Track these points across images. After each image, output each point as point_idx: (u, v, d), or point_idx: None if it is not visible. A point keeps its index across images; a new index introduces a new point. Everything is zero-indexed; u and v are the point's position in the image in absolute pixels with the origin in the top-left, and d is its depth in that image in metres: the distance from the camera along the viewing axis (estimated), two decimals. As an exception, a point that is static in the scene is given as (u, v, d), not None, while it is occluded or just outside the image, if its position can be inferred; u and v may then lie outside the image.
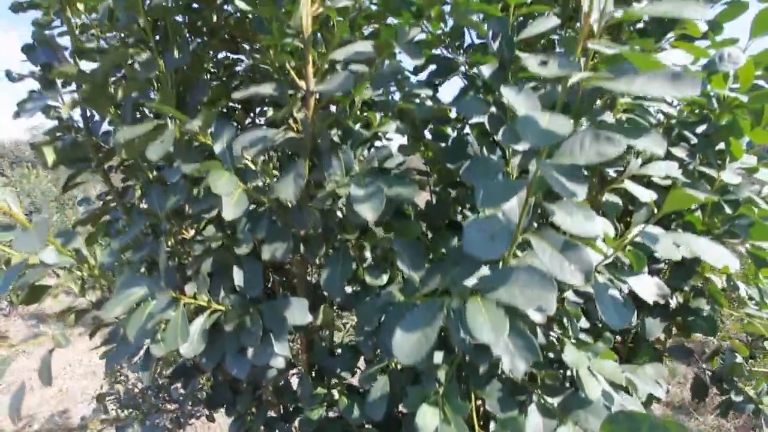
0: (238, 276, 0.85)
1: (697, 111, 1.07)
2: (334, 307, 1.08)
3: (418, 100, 0.90)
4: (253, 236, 0.79)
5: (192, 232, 1.01)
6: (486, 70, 0.86)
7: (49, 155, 1.00)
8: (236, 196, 0.62)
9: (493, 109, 0.85)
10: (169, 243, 0.99)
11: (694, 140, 1.07)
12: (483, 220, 0.61)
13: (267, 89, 0.79)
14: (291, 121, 0.88)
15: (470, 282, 0.64)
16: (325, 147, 0.76)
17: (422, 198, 1.11)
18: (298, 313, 0.81)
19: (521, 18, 0.92)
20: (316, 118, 0.78)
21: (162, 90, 0.78)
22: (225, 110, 1.18)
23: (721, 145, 1.03)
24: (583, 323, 0.92)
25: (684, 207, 0.70)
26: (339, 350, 1.04)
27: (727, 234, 1.04)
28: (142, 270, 1.00)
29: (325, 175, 0.74)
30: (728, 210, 1.00)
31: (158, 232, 0.93)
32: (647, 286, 0.78)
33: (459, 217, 1.11)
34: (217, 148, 0.69)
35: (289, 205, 0.75)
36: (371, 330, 0.82)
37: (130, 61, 0.85)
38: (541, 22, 0.83)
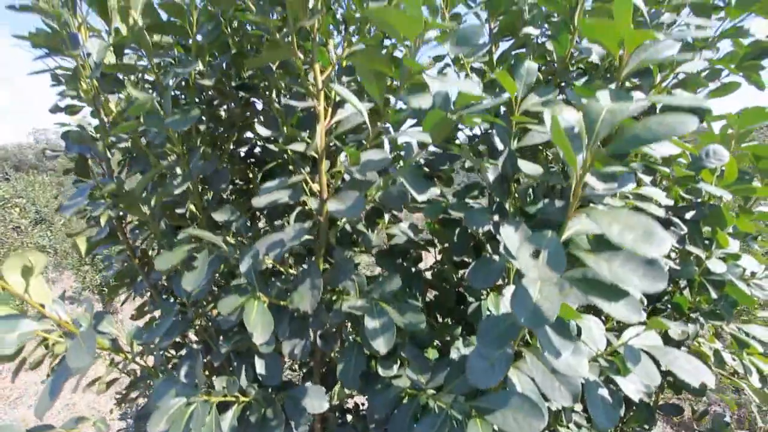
0: (259, 365, 0.92)
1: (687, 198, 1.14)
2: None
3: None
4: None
5: (216, 312, 1.09)
6: (490, 175, 0.93)
7: (82, 245, 1.09)
8: (263, 325, 0.71)
9: (495, 217, 0.93)
10: (195, 324, 1.07)
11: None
12: (484, 350, 0.68)
13: (284, 197, 0.87)
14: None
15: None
16: (339, 259, 0.84)
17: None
18: (316, 401, 0.89)
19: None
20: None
21: (194, 202, 0.87)
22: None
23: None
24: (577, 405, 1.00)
25: (662, 329, 0.78)
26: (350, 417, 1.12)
27: (712, 315, 1.11)
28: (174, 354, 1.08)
29: (339, 286, 0.82)
30: (713, 294, 1.08)
31: (186, 317, 1.01)
32: (633, 385, 0.85)
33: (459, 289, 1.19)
34: (243, 267, 0.77)
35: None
36: (382, 418, 0.89)
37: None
38: (538, 135, 0.91)
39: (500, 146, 0.92)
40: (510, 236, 0.72)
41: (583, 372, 0.64)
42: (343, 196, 0.80)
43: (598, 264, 0.55)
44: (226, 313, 0.72)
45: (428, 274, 1.35)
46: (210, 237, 0.78)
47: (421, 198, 0.72)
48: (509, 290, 0.83)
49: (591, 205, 0.83)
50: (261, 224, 1.27)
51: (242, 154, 1.24)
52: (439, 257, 1.30)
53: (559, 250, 0.54)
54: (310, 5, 0.71)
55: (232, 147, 1.11)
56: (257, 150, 1.23)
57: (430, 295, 1.29)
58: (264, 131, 0.81)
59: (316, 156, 0.88)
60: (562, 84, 1.13)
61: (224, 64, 1.01)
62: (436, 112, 0.65)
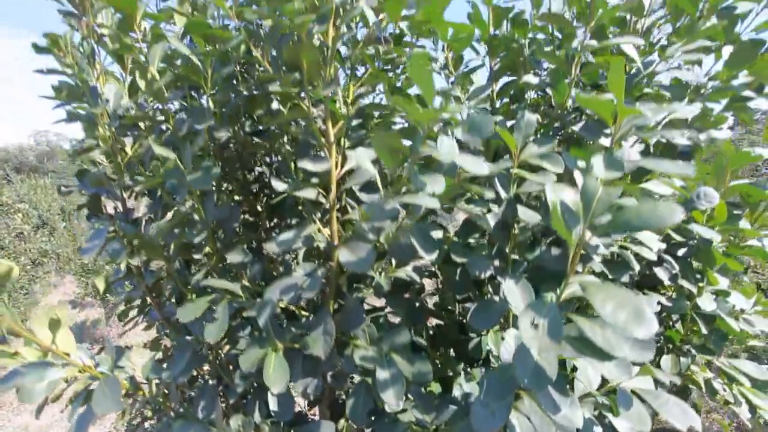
0: (272, 402, 0.97)
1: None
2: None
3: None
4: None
5: (227, 348, 1.14)
6: (491, 220, 0.98)
7: (101, 284, 1.13)
8: (280, 377, 0.75)
9: (496, 262, 0.98)
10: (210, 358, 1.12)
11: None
12: (486, 400, 0.73)
13: (297, 243, 0.92)
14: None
15: None
16: (350, 304, 0.89)
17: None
18: (326, 437, 0.93)
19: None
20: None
21: (209, 245, 0.91)
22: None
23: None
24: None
25: (650, 374, 0.82)
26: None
27: (703, 348, 1.16)
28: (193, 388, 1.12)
29: (350, 333, 0.86)
30: (704, 329, 1.13)
31: (201, 353, 1.05)
32: (627, 422, 0.90)
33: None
34: (261, 320, 0.81)
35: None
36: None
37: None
38: (535, 185, 0.95)
39: (502, 193, 0.96)
40: (512, 290, 0.77)
41: (578, 423, 0.69)
42: (353, 246, 0.84)
43: (592, 331, 0.60)
44: (247, 369, 0.76)
45: (430, 301, 1.40)
46: (229, 287, 0.83)
47: (429, 257, 0.76)
48: (510, 335, 0.88)
49: (588, 266, 0.88)
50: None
51: (252, 189, 1.29)
52: (441, 285, 1.35)
53: (558, 319, 0.59)
54: (327, 74, 0.76)
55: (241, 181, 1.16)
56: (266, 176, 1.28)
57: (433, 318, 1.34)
58: (280, 186, 0.85)
59: (328, 205, 0.93)
60: (561, 125, 1.18)
61: (236, 108, 1.06)
62: (446, 181, 0.70)
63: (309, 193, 0.93)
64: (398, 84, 1.16)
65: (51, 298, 10.06)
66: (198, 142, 0.85)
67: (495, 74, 1.29)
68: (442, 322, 1.31)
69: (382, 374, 0.75)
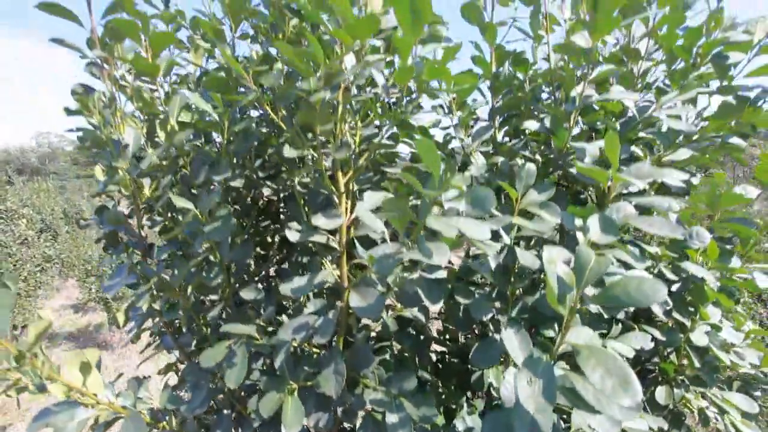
0: (284, 433, 1.02)
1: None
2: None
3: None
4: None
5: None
6: (492, 262, 1.03)
7: (121, 318, 1.19)
8: (296, 419, 0.81)
9: (497, 303, 1.03)
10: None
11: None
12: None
13: (310, 288, 0.97)
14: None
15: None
16: (359, 346, 0.94)
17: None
18: (334, 468, 0.99)
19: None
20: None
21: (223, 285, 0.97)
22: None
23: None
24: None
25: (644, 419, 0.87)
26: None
27: (696, 380, 1.21)
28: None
29: (361, 372, 0.92)
30: (696, 362, 1.18)
31: (217, 386, 1.10)
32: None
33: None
34: (277, 362, 0.87)
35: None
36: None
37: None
38: (536, 230, 1.00)
39: (505, 238, 1.01)
40: (511, 340, 0.82)
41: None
42: (363, 292, 0.89)
43: (584, 388, 0.65)
44: (267, 415, 0.82)
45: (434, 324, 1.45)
46: (246, 331, 0.88)
47: (434, 308, 0.82)
48: (510, 373, 0.93)
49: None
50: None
51: (262, 224, 1.34)
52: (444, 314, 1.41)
53: (552, 381, 0.64)
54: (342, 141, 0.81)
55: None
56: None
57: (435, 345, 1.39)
58: (293, 236, 0.91)
59: (338, 249, 0.98)
60: (560, 164, 1.23)
61: (250, 153, 1.12)
62: (449, 241, 0.75)
63: (319, 238, 0.98)
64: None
65: (54, 302, 10.12)
66: (214, 194, 0.91)
67: (497, 111, 1.35)
68: (445, 349, 1.37)
69: (391, 418, 0.81)
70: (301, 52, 0.70)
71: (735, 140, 1.02)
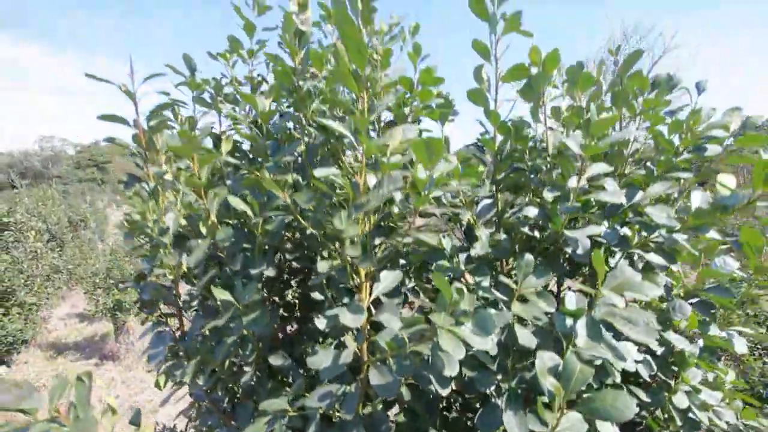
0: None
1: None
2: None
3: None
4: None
5: None
6: (494, 336, 1.16)
7: (162, 381, 1.32)
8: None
9: (499, 375, 1.16)
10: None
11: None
12: None
13: (337, 368, 1.10)
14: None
15: None
16: (378, 418, 1.07)
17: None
18: None
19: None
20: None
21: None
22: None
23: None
24: None
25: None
26: None
27: (678, 438, 1.34)
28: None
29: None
30: (678, 421, 1.31)
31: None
32: None
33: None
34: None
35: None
36: None
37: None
38: (534, 315, 1.13)
39: (508, 317, 1.14)
40: (510, 420, 0.96)
41: None
42: (382, 371, 1.02)
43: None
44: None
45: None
46: (281, 406, 1.01)
47: (443, 393, 0.95)
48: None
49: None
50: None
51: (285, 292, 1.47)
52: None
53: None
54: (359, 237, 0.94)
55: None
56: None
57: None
58: (322, 324, 1.04)
59: (358, 328, 1.11)
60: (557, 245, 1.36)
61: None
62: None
63: (344, 319, 1.11)
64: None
65: (60, 310, 10.24)
66: (251, 287, 1.04)
67: (499, 186, 1.48)
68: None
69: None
70: (328, 186, 0.83)
71: (713, 234, 1.15)
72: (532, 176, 1.41)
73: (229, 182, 1.22)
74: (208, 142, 1.77)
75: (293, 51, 1.41)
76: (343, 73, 0.95)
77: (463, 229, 1.47)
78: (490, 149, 1.46)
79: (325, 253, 1.22)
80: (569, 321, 0.96)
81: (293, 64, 1.29)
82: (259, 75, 1.95)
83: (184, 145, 1.01)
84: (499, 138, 1.45)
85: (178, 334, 1.28)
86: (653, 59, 12.26)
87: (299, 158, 1.41)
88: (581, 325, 0.89)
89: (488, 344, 0.82)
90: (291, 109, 1.47)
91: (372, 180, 0.98)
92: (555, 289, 1.53)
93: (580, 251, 1.14)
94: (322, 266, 0.94)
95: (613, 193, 1.12)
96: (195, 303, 1.28)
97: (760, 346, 4.43)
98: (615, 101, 1.37)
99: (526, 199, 1.54)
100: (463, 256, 1.36)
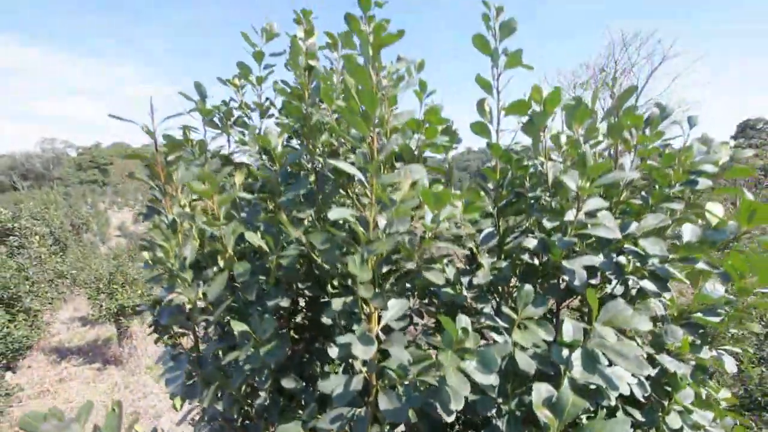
0: None
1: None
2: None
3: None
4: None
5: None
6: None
7: (178, 404, 1.38)
8: None
9: (500, 399, 1.22)
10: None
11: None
12: None
13: (349, 394, 1.16)
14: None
15: None
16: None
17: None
18: None
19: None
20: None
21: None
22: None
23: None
24: None
25: None
26: None
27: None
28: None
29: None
30: (672, 442, 1.37)
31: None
32: None
33: None
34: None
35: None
36: None
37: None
38: (533, 343, 1.20)
39: (508, 348, 1.21)
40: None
41: None
42: (391, 397, 1.09)
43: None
44: None
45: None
46: (297, 431, 1.08)
47: (449, 420, 1.01)
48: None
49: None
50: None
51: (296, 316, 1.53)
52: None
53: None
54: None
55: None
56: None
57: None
58: (334, 352, 1.10)
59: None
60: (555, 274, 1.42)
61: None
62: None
63: (358, 352, 1.18)
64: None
65: (62, 314, 10.31)
66: (269, 321, 1.10)
67: (501, 213, 1.54)
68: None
69: None
70: (343, 236, 0.90)
71: (702, 265, 1.22)
72: (533, 203, 1.48)
73: (243, 214, 1.28)
74: (217, 163, 1.84)
75: (303, 85, 1.48)
76: (354, 119, 1.02)
77: (466, 254, 1.53)
78: (492, 179, 1.52)
79: (335, 282, 1.29)
80: (565, 352, 1.03)
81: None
82: (267, 99, 2.02)
83: (206, 189, 1.07)
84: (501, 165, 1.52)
85: (193, 356, 1.35)
86: (653, 66, 12.37)
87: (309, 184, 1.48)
88: (576, 357, 0.96)
89: (491, 380, 0.89)
90: (301, 140, 1.53)
91: (381, 219, 1.05)
92: (555, 305, 1.60)
93: (576, 282, 1.20)
94: (336, 304, 1.00)
95: (608, 228, 1.19)
96: (210, 329, 1.34)
97: (757, 355, 4.49)
98: (611, 133, 1.44)
99: (527, 223, 1.61)
100: (466, 280, 1.43)
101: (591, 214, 1.29)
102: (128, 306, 7.28)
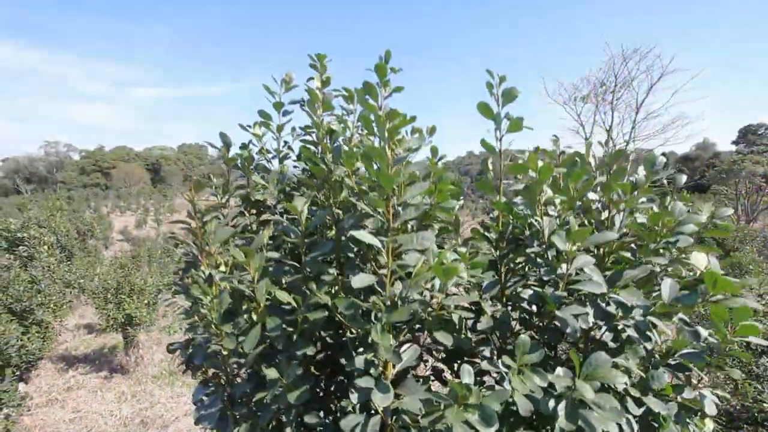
0: None
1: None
2: None
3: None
4: None
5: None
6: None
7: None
8: None
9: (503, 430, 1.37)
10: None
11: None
12: None
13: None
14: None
15: None
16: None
17: None
18: None
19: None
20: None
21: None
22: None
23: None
24: None
25: None
26: None
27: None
28: None
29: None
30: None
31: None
32: None
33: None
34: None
35: None
36: None
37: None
38: (531, 387, 1.34)
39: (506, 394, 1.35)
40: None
41: None
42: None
43: None
44: None
45: None
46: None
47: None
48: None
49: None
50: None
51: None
52: None
53: None
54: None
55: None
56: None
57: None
58: (354, 398, 1.25)
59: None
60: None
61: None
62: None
63: (377, 401, 1.32)
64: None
65: (68, 321, 10.43)
66: (297, 369, 1.25)
67: (502, 260, 1.69)
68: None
69: None
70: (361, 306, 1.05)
71: (678, 317, 1.37)
72: (533, 256, 1.63)
73: (271, 269, 1.43)
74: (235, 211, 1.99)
75: (325, 148, 1.63)
76: (374, 199, 1.17)
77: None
78: (495, 230, 1.67)
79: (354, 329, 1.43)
80: (551, 403, 1.17)
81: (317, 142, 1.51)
82: (285, 142, 2.18)
83: (245, 260, 1.22)
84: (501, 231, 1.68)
85: (225, 395, 1.49)
86: (651, 81, 12.59)
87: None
88: (561, 408, 1.11)
89: (493, 430, 1.04)
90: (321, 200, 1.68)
91: (398, 284, 1.20)
92: (553, 345, 1.74)
93: (568, 330, 1.35)
94: (359, 361, 1.15)
95: (594, 283, 1.34)
96: (242, 371, 1.49)
97: (752, 372, 4.62)
98: (604, 192, 1.59)
99: (526, 269, 1.76)
100: (470, 323, 1.58)
101: (580, 270, 1.44)
102: (136, 316, 7.41)
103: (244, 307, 1.40)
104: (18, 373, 5.17)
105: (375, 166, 1.29)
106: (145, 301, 7.97)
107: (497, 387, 1.35)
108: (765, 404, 4.24)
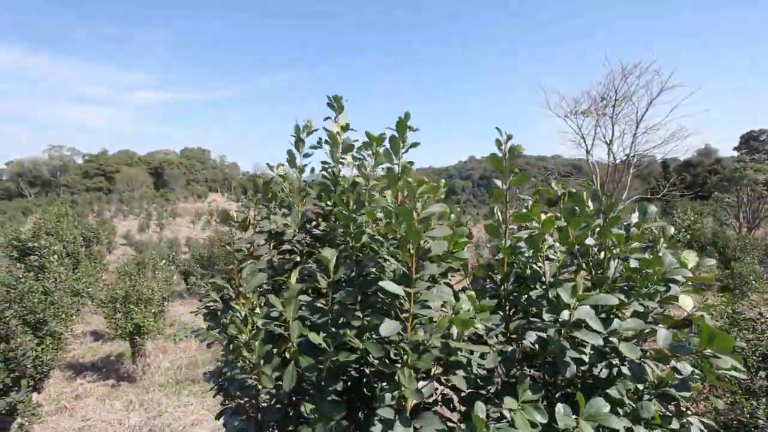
0: None
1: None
2: None
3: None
4: None
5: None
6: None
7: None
8: None
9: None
10: None
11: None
12: None
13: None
14: None
15: None
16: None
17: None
18: None
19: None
20: None
21: None
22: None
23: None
24: None
25: None
26: None
27: None
28: None
29: None
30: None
31: None
32: None
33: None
34: None
35: None
36: None
37: None
38: (531, 397, 1.50)
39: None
40: None
41: None
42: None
43: None
44: None
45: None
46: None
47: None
48: None
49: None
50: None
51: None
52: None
53: None
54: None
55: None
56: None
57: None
58: (377, 429, 1.40)
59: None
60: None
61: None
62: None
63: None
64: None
65: (75, 328, 10.56)
66: (330, 403, 1.41)
67: (507, 297, 1.86)
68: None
69: None
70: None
71: (672, 364, 1.53)
72: (536, 298, 1.79)
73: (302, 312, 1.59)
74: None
75: (349, 198, 1.81)
76: (402, 253, 1.34)
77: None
78: (500, 271, 1.84)
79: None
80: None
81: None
82: (305, 182, 2.36)
83: (283, 306, 1.39)
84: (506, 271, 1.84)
85: (254, 424, 1.65)
86: (651, 96, 12.82)
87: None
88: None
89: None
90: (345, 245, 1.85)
91: (420, 330, 1.36)
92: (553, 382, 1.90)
93: (568, 374, 1.51)
94: (387, 398, 1.32)
95: (594, 334, 1.50)
96: (273, 401, 1.65)
97: (743, 386, 4.77)
98: (600, 237, 1.76)
99: (527, 303, 1.92)
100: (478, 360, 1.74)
101: (580, 320, 1.61)
102: (144, 325, 7.56)
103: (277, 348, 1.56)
104: (32, 383, 5.31)
105: (393, 217, 1.47)
106: (153, 310, 8.12)
107: (504, 420, 1.51)
108: (760, 420, 4.39)
